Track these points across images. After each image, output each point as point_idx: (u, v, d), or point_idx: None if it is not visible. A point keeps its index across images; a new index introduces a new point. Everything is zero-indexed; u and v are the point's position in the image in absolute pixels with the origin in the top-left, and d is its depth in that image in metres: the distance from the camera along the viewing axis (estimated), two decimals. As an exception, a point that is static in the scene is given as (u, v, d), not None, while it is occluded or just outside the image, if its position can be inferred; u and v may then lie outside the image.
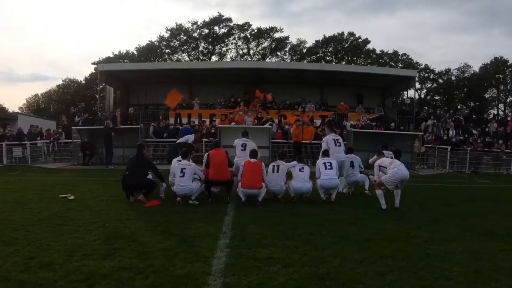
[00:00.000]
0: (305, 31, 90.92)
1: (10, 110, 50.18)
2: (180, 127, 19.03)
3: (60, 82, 57.25)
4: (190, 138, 13.50)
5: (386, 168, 8.74)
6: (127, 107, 24.51)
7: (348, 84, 26.62)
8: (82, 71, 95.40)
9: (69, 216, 7.29)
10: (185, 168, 8.85)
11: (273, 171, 9.38)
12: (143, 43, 51.05)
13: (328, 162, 9.61)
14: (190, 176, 8.85)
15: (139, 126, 18.63)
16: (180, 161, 9.17)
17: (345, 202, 9.41)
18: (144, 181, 9.17)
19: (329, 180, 9.37)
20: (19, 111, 50.97)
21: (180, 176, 8.78)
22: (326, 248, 5.58)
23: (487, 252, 5.61)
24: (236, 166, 9.62)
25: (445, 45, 79.41)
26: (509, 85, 49.54)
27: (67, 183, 12.15)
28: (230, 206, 8.45)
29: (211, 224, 6.76)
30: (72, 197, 9.23)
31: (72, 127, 19.58)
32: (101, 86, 27.44)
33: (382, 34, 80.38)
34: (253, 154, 9.41)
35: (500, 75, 48.91)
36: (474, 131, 22.56)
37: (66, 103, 49.68)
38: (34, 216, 7.28)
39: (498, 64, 48.63)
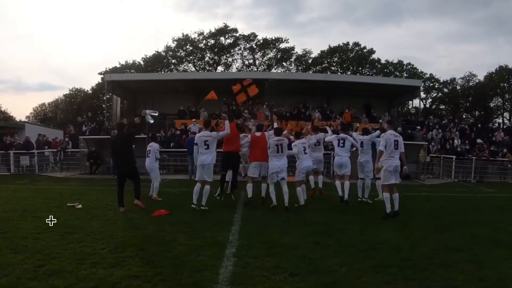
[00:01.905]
0: (311, 42, 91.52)
1: (17, 119, 50.70)
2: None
3: (67, 92, 57.89)
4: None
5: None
6: (134, 116, 24.66)
7: (354, 94, 26.73)
8: (89, 81, 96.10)
9: (77, 225, 7.37)
10: (207, 140, 9.48)
11: (277, 152, 9.56)
12: (150, 53, 51.56)
13: (342, 139, 10.35)
14: (212, 145, 9.52)
15: (145, 136, 18.68)
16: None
17: (352, 211, 9.46)
18: (133, 165, 9.36)
19: (340, 157, 10.26)
20: (26, 120, 51.42)
21: (205, 149, 9.45)
22: (332, 257, 5.62)
23: (493, 261, 5.64)
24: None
25: (450, 54, 79.58)
26: (514, 94, 49.46)
27: (75, 192, 12.29)
28: (236, 216, 8.50)
29: (218, 234, 6.79)
30: (80, 206, 9.34)
31: (79, 137, 19.77)
32: (108, 96, 27.69)
33: (388, 44, 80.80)
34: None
35: (505, 84, 48.81)
36: (479, 140, 22.54)
37: (73, 112, 50.07)
38: (43, 224, 7.35)
39: (503, 73, 48.49)
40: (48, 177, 17.68)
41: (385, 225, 7.83)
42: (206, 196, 9.24)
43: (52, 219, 7.44)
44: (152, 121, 10.20)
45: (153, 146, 11.22)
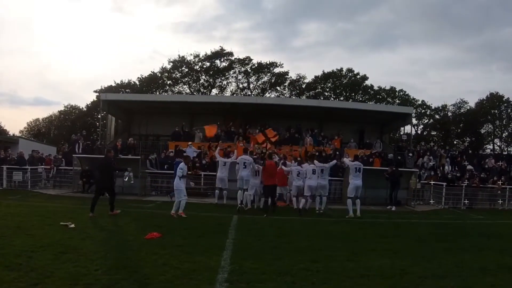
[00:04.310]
0: (306, 66, 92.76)
1: (11, 133, 50.57)
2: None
3: (62, 108, 57.93)
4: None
5: None
6: (128, 136, 24.76)
7: (347, 119, 27.05)
8: (84, 98, 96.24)
9: (70, 244, 7.43)
10: (246, 162, 14.03)
11: (244, 167, 14.06)
12: (146, 73, 51.83)
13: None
14: (249, 166, 14.05)
15: (139, 157, 18.72)
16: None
17: (342, 237, 9.60)
18: (112, 183, 12.16)
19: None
20: (19, 134, 51.36)
21: (244, 168, 14.05)
22: (321, 283, 5.72)
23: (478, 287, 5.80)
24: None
25: (443, 81, 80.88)
26: (504, 120, 50.24)
27: (68, 210, 12.31)
28: (228, 240, 8.53)
29: (210, 258, 6.83)
30: (72, 225, 9.36)
31: (73, 155, 19.74)
32: (102, 115, 27.73)
33: (382, 70, 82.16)
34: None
35: (496, 111, 49.65)
36: (470, 167, 22.84)
37: (66, 129, 50.02)
38: (36, 242, 7.42)
39: (494, 99, 49.46)
40: (40, 193, 17.62)
41: (375, 252, 7.94)
42: (248, 199, 14.17)
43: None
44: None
45: (179, 166, 12.12)
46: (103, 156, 13.19)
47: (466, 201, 19.04)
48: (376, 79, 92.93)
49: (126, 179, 16.19)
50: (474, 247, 9.04)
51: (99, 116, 29.65)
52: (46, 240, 7.74)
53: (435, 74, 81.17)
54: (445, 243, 9.46)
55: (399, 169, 18.04)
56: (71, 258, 6.47)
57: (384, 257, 7.55)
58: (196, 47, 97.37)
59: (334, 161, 15.69)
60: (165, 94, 47.43)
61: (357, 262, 7.03)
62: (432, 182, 19.91)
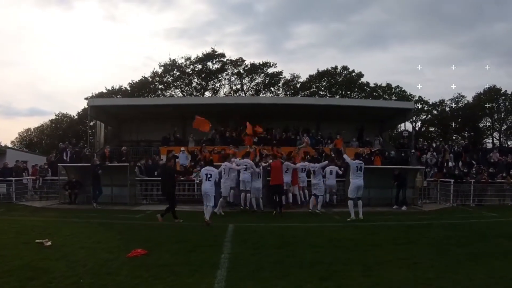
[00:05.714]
0: (300, 67, 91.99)
1: (3, 144, 49.29)
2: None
3: (53, 117, 56.74)
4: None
5: None
6: (118, 143, 23.73)
7: (344, 118, 26.12)
8: (77, 106, 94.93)
9: (41, 267, 6.49)
10: (247, 165, 14.40)
11: (245, 169, 14.43)
12: (137, 78, 50.74)
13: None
14: (249, 169, 14.46)
15: (127, 164, 17.63)
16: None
17: (350, 246, 8.60)
18: (173, 190, 12.28)
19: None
20: (11, 145, 50.10)
21: (244, 170, 14.39)
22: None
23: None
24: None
25: (437, 78, 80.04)
26: (503, 114, 49.51)
27: (49, 224, 11.32)
28: (223, 256, 7.47)
29: (201, 280, 5.83)
30: (49, 243, 8.41)
31: (59, 164, 18.66)
32: (93, 122, 26.62)
33: (376, 69, 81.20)
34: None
35: (494, 104, 48.88)
36: (473, 162, 22.06)
37: (58, 138, 48.86)
38: (3, 266, 6.54)
39: (492, 93, 48.72)
40: (24, 206, 16.62)
41: (390, 264, 6.94)
42: (253, 202, 14.59)
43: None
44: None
45: (214, 171, 11.87)
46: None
47: (476, 199, 18.21)
48: (371, 79, 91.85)
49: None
50: (498, 251, 8.16)
51: (89, 123, 28.26)
52: (16, 262, 6.82)
53: (429, 71, 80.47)
54: (465, 247, 8.52)
55: (404, 167, 17.13)
56: (39, 285, 5.55)
57: (403, 269, 6.60)
58: (189, 52, 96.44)
59: (326, 162, 16.00)
60: (155, 98, 46.14)
61: (375, 278, 6.03)
62: (439, 180, 19.00)
